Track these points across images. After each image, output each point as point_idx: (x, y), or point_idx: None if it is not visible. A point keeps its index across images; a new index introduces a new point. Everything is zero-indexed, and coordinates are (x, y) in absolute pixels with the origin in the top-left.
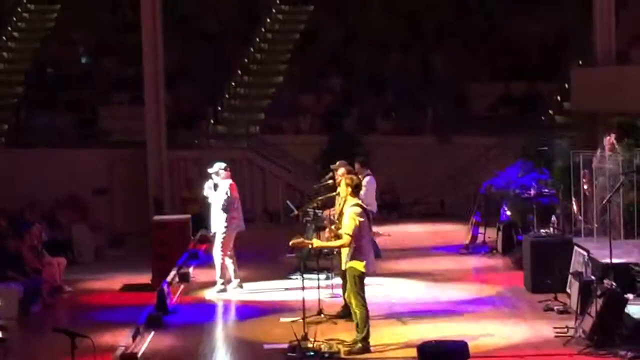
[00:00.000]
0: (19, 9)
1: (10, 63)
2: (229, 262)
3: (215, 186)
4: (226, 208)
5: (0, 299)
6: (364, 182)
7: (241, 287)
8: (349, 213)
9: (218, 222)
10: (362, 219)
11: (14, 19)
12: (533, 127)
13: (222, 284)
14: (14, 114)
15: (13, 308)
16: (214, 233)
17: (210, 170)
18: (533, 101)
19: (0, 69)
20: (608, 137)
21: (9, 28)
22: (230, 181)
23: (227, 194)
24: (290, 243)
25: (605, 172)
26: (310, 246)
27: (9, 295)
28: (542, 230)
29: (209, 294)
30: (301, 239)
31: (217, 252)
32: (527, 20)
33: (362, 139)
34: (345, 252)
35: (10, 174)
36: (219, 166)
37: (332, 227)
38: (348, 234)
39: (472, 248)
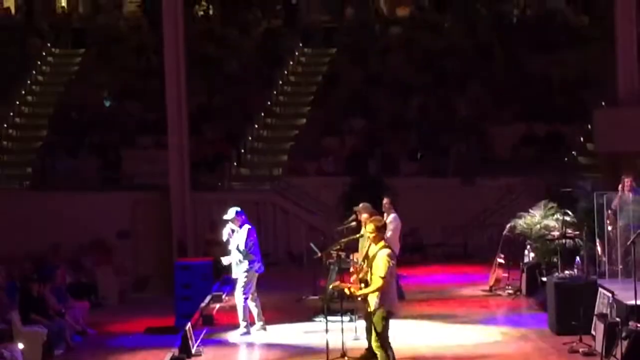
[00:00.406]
0: (44, 53)
1: (34, 107)
2: (251, 305)
3: (233, 231)
4: (246, 255)
5: (24, 342)
6: (390, 219)
7: (264, 329)
8: (381, 256)
9: (239, 267)
10: (394, 262)
11: (39, 63)
12: (556, 168)
13: (245, 326)
14: (39, 158)
15: (37, 351)
16: (236, 278)
17: (225, 217)
18: (556, 142)
19: (25, 113)
20: (627, 180)
21: (34, 72)
22: (247, 226)
23: (245, 241)
24: (331, 287)
25: (627, 214)
26: (347, 291)
27: (32, 339)
28: (566, 272)
29: (232, 337)
30: (338, 283)
31: (239, 295)
32: (548, 61)
33: (385, 181)
34: (372, 294)
35: (34, 217)
36: (233, 211)
37: (357, 267)
38: (382, 277)
39: (497, 290)
